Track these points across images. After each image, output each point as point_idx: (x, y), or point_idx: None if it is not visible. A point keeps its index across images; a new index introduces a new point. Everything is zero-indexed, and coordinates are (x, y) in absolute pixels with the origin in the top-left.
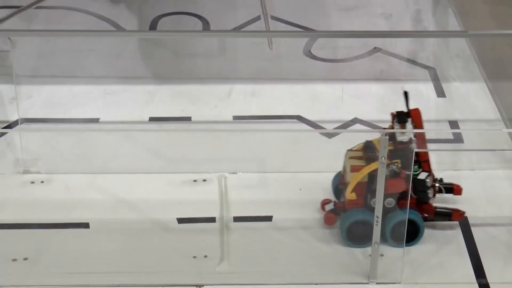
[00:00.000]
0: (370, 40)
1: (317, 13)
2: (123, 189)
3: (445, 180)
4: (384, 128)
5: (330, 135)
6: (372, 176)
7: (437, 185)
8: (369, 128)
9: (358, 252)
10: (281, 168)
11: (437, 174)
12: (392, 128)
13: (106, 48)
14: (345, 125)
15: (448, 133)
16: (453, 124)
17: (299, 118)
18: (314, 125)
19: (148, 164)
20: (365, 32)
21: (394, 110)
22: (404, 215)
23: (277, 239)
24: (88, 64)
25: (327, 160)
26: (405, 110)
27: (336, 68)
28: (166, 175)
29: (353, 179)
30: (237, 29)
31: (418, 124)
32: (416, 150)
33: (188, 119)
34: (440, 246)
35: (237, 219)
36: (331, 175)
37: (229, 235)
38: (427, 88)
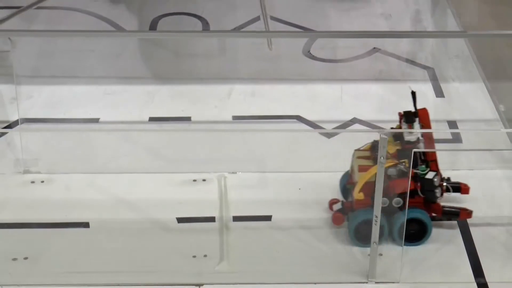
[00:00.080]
0: (369, 41)
1: (317, 14)
2: (123, 189)
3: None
4: (392, 128)
5: (329, 135)
6: None
7: (444, 184)
8: (368, 128)
9: (357, 252)
10: (280, 168)
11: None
12: (400, 128)
13: (106, 48)
14: (344, 125)
15: (446, 133)
16: (452, 124)
17: (299, 118)
18: (313, 125)
19: (148, 164)
20: (364, 33)
21: (400, 110)
22: (412, 214)
23: (277, 239)
24: (88, 64)
25: (327, 160)
26: (412, 109)
27: (335, 68)
28: (166, 175)
29: (361, 178)
30: (237, 29)
31: (425, 123)
32: (415, 150)
33: (188, 119)
34: (439, 246)
35: (236, 218)
36: (330, 175)
37: (229, 234)
38: (426, 88)
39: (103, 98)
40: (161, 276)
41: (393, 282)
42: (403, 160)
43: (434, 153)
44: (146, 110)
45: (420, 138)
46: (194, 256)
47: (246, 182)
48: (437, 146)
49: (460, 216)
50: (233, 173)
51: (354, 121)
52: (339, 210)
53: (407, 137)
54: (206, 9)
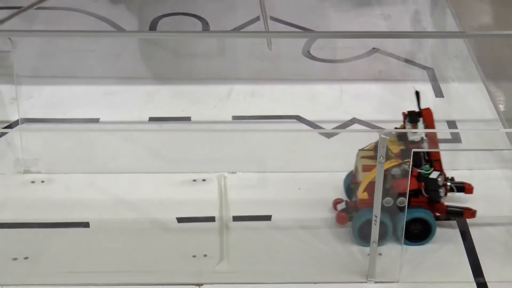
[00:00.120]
0: (369, 41)
1: (316, 14)
2: (123, 189)
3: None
4: (396, 128)
5: (328, 135)
6: (384, 175)
7: (448, 184)
8: (367, 128)
9: (357, 251)
10: (280, 168)
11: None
12: (404, 127)
13: (106, 48)
14: (344, 125)
15: (446, 133)
16: (451, 124)
17: (298, 118)
18: (313, 125)
19: (147, 164)
20: (364, 33)
21: (401, 110)
22: (416, 213)
23: (276, 239)
24: (88, 65)
25: (326, 160)
26: (416, 109)
27: (335, 68)
28: (166, 175)
29: (365, 178)
30: (237, 29)
31: (429, 123)
32: (414, 150)
33: (187, 119)
34: (438, 245)
35: (236, 218)
36: (330, 175)
37: (229, 234)
38: (426, 89)
39: (103, 98)
40: (161, 276)
41: (392, 282)
42: (407, 160)
43: (438, 153)
44: (146, 110)
45: (424, 138)
46: (194, 256)
47: (245, 182)
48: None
49: (464, 215)
50: (233, 173)
51: (353, 121)
52: (343, 210)
53: (411, 137)
54: (206, 9)
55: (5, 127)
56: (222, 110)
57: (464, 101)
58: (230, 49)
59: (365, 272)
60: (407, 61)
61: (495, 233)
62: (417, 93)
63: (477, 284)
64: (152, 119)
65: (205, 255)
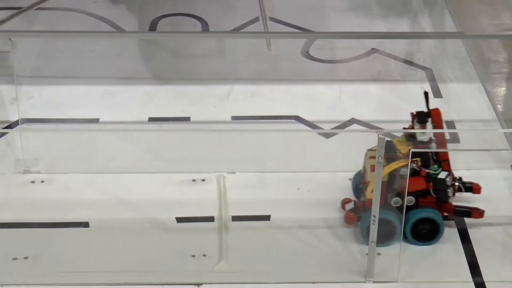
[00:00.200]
0: (368, 41)
1: (315, 14)
2: (122, 189)
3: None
4: (404, 128)
5: (327, 135)
6: (392, 175)
7: (456, 184)
8: (366, 129)
9: (356, 251)
10: (279, 168)
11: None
12: (412, 128)
13: (106, 49)
14: (343, 125)
15: (444, 133)
16: (450, 124)
17: (297, 119)
18: (312, 125)
19: (147, 164)
20: (363, 33)
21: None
22: (425, 213)
23: (275, 239)
24: (88, 65)
25: (325, 160)
26: (424, 110)
27: (334, 68)
28: (165, 174)
29: (373, 178)
30: (236, 30)
31: (438, 124)
32: (413, 150)
33: (187, 119)
34: (437, 245)
35: (235, 218)
36: (329, 175)
37: (228, 234)
38: (424, 89)
39: (103, 98)
40: (161, 275)
41: (391, 282)
42: (415, 159)
43: (446, 153)
44: (146, 110)
45: (433, 138)
46: (193, 256)
47: (245, 182)
48: (436, 146)
49: (472, 215)
50: (232, 173)
51: (352, 121)
52: (351, 210)
53: (420, 137)
54: (206, 10)
55: (5, 127)
56: (222, 110)
57: (462, 102)
58: (230, 49)
59: (363, 272)
60: (405, 61)
61: (493, 233)
62: (426, 94)
63: (475, 284)
64: (151, 119)
65: (204, 255)
